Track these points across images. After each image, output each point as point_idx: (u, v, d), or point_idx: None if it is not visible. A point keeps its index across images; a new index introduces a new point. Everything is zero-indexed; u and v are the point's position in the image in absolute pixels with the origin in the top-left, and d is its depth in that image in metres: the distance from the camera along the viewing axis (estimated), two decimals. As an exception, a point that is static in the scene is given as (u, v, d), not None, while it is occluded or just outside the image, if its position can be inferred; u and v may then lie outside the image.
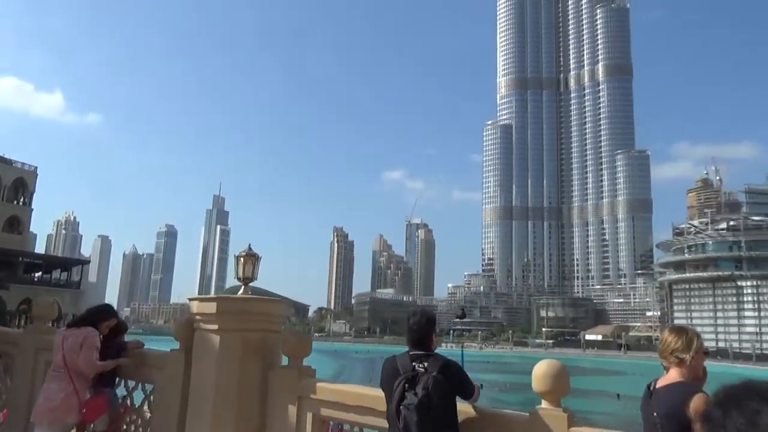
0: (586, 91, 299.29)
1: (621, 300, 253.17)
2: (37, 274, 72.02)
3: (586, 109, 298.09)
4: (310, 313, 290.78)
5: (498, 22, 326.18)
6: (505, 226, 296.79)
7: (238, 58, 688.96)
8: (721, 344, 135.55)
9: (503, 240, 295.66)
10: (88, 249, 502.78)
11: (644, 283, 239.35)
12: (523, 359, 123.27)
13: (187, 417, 5.56)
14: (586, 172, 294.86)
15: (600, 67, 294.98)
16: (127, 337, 6.71)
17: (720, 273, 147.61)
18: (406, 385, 3.94)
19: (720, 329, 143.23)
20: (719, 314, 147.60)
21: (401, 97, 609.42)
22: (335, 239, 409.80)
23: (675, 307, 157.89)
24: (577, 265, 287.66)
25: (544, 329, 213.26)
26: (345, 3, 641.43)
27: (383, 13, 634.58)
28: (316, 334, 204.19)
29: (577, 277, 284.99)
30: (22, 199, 77.73)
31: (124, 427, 6.33)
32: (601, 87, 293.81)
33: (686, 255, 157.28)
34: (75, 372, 5.87)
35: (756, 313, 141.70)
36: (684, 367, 3.74)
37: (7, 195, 74.52)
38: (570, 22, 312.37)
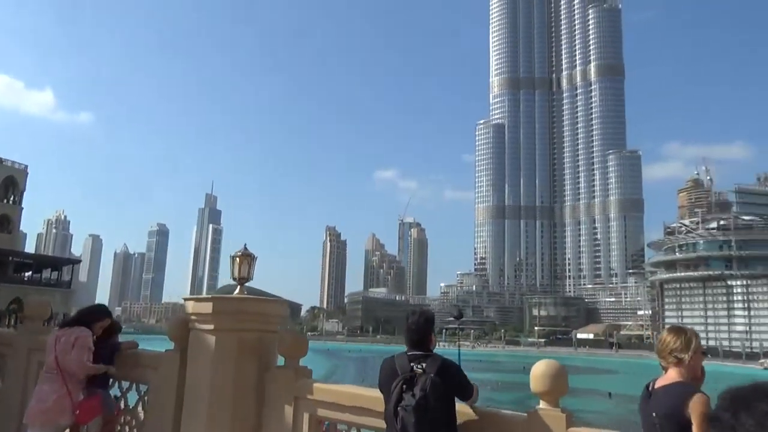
0: (578, 91, 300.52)
1: (612, 299, 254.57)
2: (27, 274, 71.48)
3: (578, 108, 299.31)
4: (303, 313, 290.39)
5: (491, 22, 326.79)
6: (497, 225, 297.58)
7: (232, 57, 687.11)
8: (711, 343, 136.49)
9: (496, 239, 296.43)
10: (78, 248, 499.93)
11: (635, 282, 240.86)
12: (515, 358, 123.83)
13: (182, 418, 5.52)
14: (578, 172, 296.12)
15: (592, 67, 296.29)
16: (120, 338, 6.65)
17: (710, 272, 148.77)
18: (404, 386, 3.90)
19: (710, 328, 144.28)
20: (709, 313, 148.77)
21: (394, 97, 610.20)
22: (328, 238, 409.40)
23: (666, 306, 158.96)
24: (569, 264, 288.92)
25: (536, 328, 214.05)
26: (341, 3, 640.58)
27: (377, 12, 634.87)
28: (309, 333, 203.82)
29: (569, 277, 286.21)
30: (12, 198, 77.13)
31: (118, 428, 6.27)
32: (593, 87, 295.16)
33: (677, 254, 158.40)
34: (68, 373, 5.81)
35: (745, 312, 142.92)
36: (682, 366, 3.74)
37: (-3, 193, 74.02)
38: (562, 22, 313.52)
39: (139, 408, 6.14)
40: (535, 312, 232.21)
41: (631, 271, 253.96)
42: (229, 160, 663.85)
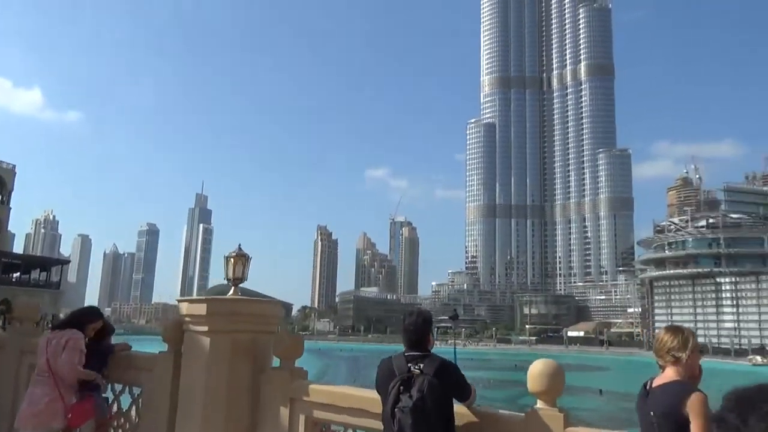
0: (569, 90, 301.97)
1: (603, 297, 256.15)
2: (15, 275, 70.74)
3: (569, 108, 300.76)
4: (294, 312, 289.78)
5: (482, 21, 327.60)
6: (488, 224, 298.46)
7: (222, 56, 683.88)
8: (701, 340, 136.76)
9: (486, 238, 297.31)
10: (67, 248, 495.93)
11: (625, 280, 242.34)
12: (507, 356, 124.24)
13: (176, 420, 5.47)
14: (569, 171, 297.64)
15: (582, 66, 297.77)
16: (112, 339, 6.58)
17: (699, 270, 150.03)
18: (401, 387, 3.88)
19: (699, 325, 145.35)
20: (699, 310, 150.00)
21: (385, 96, 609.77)
22: (319, 238, 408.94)
23: (656, 304, 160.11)
24: (560, 262, 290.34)
25: (527, 326, 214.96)
26: (332, 1, 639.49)
27: (369, 11, 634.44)
28: (300, 333, 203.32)
29: (560, 275, 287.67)
30: (0, 198, 76.34)
31: (111, 431, 6.21)
32: (583, 86, 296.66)
33: (666, 252, 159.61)
34: (59, 376, 5.74)
35: (734, 309, 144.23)
36: (680, 365, 3.75)
37: (-16, 194, 73.22)
38: (553, 21, 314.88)
39: (133, 411, 6.09)
40: (526, 310, 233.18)
41: (621, 269, 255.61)
42: (219, 160, 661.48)
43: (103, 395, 6.18)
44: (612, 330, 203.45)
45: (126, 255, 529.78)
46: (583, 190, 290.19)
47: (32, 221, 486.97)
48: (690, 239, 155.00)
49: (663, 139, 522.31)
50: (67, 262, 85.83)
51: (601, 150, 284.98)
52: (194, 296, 7.30)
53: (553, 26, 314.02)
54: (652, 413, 3.66)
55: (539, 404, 3.94)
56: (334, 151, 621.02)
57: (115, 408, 6.24)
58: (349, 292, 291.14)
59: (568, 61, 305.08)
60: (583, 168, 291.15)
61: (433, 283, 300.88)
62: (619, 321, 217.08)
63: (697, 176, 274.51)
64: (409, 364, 3.99)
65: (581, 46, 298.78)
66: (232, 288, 5.75)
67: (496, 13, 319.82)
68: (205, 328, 5.43)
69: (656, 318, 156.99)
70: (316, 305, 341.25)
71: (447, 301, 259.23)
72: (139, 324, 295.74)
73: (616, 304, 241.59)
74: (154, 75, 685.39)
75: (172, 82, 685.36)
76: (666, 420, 3.56)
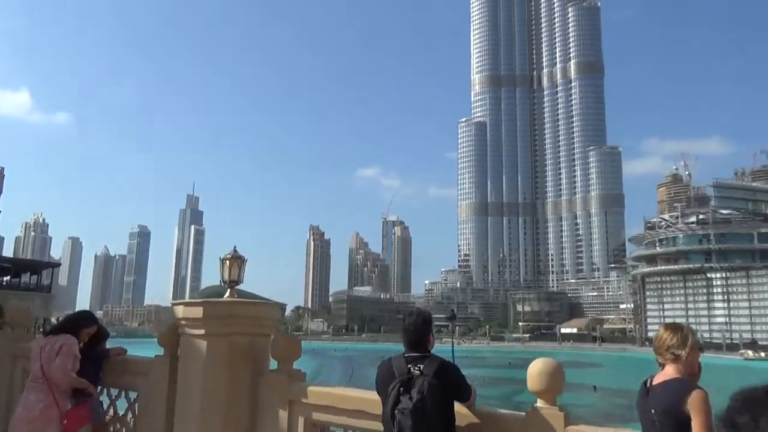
0: (559, 88, 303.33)
1: (595, 293, 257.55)
2: (5, 278, 70.16)
3: (559, 106, 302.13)
4: (288, 313, 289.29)
5: (472, 20, 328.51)
6: (480, 222, 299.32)
7: (211, 55, 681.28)
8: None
9: (479, 236, 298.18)
10: (58, 251, 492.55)
11: (617, 276, 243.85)
12: (501, 354, 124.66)
13: (174, 424, 5.43)
14: (560, 168, 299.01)
15: (572, 64, 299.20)
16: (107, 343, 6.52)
17: (690, 266, 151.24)
18: (401, 389, 3.85)
19: (691, 320, 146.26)
20: (690, 305, 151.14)
21: (376, 95, 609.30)
22: (311, 238, 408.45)
23: (647, 300, 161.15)
24: (552, 259, 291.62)
25: (520, 323, 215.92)
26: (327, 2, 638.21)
27: (359, 9, 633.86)
28: (294, 334, 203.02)
29: (552, 272, 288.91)
30: (-12, 201, 75.66)
31: (108, 436, 6.15)
32: (573, 84, 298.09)
33: (657, 248, 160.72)
34: (53, 382, 5.68)
35: (725, 304, 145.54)
36: (680, 363, 3.75)
37: (-28, 197, 72.51)
38: (542, 20, 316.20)
39: (129, 416, 6.03)
40: (519, 308, 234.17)
41: (612, 265, 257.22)
42: (210, 161, 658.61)
43: (99, 399, 6.12)
44: (605, 326, 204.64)
45: (117, 257, 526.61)
46: (574, 187, 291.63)
47: (22, 224, 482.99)
48: (680, 235, 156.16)
49: (652, 137, 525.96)
50: (57, 265, 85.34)
51: (591, 147, 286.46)
52: (187, 298, 7.25)
53: (543, 25, 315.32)
54: (653, 411, 3.66)
55: (539, 403, 3.92)
56: (326, 150, 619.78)
57: (111, 413, 6.18)
58: (343, 292, 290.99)
59: (557, 60, 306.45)
60: (574, 165, 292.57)
61: (426, 282, 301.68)
62: (612, 317, 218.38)
63: (687, 173, 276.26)
64: (409, 365, 3.96)
65: (571, 45, 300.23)
66: (228, 290, 5.70)
67: (486, 12, 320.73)
68: (202, 332, 5.38)
69: (648, 314, 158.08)
70: (309, 305, 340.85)
71: (440, 299, 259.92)
72: (132, 326, 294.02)
73: (609, 301, 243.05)
74: (143, 75, 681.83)
75: (161, 81, 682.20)
76: (667, 418, 3.56)
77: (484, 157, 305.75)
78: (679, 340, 3.79)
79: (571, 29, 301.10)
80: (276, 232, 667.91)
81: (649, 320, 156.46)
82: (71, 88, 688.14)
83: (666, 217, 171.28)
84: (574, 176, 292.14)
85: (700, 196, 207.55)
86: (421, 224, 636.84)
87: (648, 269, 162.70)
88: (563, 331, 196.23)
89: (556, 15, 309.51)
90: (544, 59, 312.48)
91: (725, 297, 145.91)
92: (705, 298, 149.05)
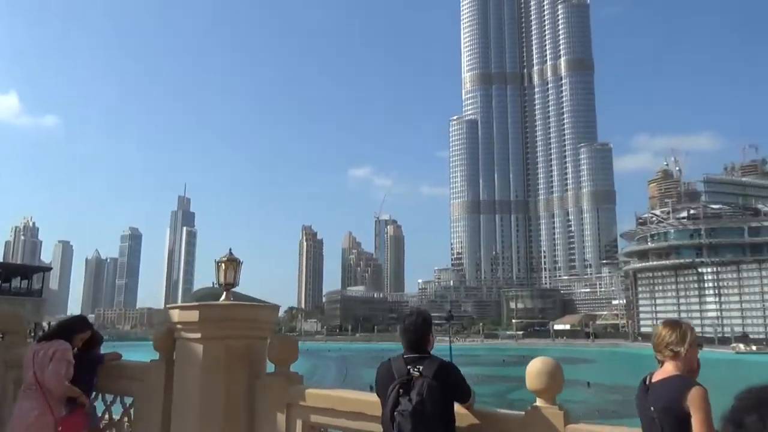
0: (549, 85, 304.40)
1: (587, 290, 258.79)
2: (-5, 283, 69.55)
3: (550, 103, 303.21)
4: (281, 313, 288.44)
5: (462, 18, 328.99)
6: (472, 220, 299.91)
7: (202, 55, 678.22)
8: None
9: (471, 234, 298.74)
10: (48, 255, 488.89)
11: (609, 272, 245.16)
12: (495, 351, 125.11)
13: (170, 429, 5.38)
14: (551, 166, 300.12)
15: (562, 62, 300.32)
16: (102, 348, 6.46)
17: (682, 261, 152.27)
18: (401, 391, 3.82)
19: (683, 315, 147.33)
20: (682, 300, 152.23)
21: (367, 94, 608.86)
22: (304, 238, 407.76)
23: (640, 295, 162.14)
24: (545, 256, 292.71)
25: (513, 321, 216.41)
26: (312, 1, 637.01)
27: (351, 9, 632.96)
28: (288, 334, 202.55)
29: (545, 269, 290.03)
30: (-23, 206, 74.98)
31: (103, 442, 6.09)
32: (563, 81, 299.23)
33: (649, 244, 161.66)
34: (47, 388, 5.61)
35: (716, 299, 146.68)
36: (679, 359, 3.75)
37: (-39, 202, 71.86)
38: (532, 17, 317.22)
39: (125, 421, 5.97)
40: (513, 305, 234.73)
41: (604, 261, 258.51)
42: (200, 161, 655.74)
43: (94, 405, 6.06)
44: (597, 322, 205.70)
45: (108, 260, 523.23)
46: (566, 184, 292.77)
47: (11, 228, 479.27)
48: (672, 230, 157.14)
49: (642, 133, 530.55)
50: (48, 269, 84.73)
51: (582, 144, 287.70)
52: (179, 300, 7.18)
53: (533, 23, 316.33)
54: (652, 408, 3.66)
55: (539, 402, 3.92)
56: (317, 150, 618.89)
57: (106, 419, 6.12)
58: (336, 292, 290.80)
59: (548, 57, 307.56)
60: (566, 162, 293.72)
61: (420, 281, 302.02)
62: (604, 313, 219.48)
63: (677, 168, 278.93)
64: (408, 367, 3.92)
65: (560, 42, 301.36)
66: (224, 293, 5.66)
67: (476, 11, 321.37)
68: (198, 335, 5.34)
69: (641, 309, 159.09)
70: (302, 306, 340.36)
71: (434, 298, 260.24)
72: (124, 329, 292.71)
73: (601, 297, 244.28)
74: (132, 76, 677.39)
75: (150, 82, 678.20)
76: (667, 415, 3.55)
77: (475, 155, 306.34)
78: (678, 337, 3.79)
79: (560, 26, 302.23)
80: (268, 233, 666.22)
81: (641, 315, 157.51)
82: (59, 91, 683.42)
83: (657, 212, 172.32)
84: (566, 173, 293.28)
85: (690, 191, 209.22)
86: (414, 223, 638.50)
87: (640, 265, 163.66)
88: (556, 327, 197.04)
89: (545, 12, 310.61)
90: (535, 57, 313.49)
91: (716, 291, 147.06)
92: (696, 292, 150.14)
